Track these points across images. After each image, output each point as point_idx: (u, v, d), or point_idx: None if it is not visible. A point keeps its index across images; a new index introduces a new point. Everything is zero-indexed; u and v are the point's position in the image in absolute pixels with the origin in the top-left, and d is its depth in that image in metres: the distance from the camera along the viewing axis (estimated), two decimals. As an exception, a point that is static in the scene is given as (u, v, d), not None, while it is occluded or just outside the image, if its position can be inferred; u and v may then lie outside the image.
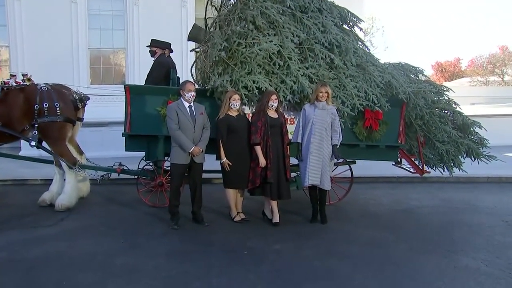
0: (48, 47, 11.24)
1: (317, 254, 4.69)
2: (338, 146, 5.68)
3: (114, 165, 6.79)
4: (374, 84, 6.14)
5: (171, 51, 7.45)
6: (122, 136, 6.27)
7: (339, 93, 5.94)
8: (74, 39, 11.65)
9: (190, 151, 5.31)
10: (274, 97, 5.47)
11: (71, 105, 6.42)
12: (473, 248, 4.96)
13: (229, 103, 5.45)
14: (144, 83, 7.08)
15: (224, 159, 5.49)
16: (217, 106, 5.85)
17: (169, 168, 5.82)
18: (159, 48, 7.23)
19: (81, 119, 6.75)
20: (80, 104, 6.56)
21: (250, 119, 5.70)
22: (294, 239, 5.17)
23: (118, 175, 6.83)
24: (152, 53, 7.29)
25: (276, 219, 5.64)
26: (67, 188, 6.33)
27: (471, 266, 4.41)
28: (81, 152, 6.89)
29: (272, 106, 5.48)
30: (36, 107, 6.06)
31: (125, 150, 6.35)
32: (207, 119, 5.58)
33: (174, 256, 4.59)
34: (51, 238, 5.10)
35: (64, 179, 6.44)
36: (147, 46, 7.39)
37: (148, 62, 7.58)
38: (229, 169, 5.50)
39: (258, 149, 5.45)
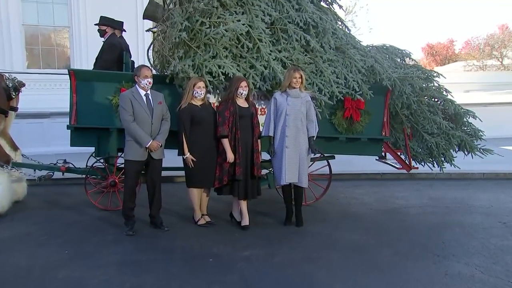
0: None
1: (292, 260, 4.78)
2: (315, 138, 5.78)
3: (57, 162, 6.75)
4: (355, 70, 6.30)
5: (124, 30, 7.42)
6: (67, 129, 6.24)
7: (315, 79, 6.07)
8: (3, 12, 11.30)
9: (147, 146, 5.33)
10: (243, 83, 5.52)
11: (3, 93, 6.28)
12: (466, 252, 5.05)
13: (193, 91, 5.49)
14: (93, 67, 7.04)
15: (188, 155, 5.54)
16: (177, 95, 5.90)
17: (123, 166, 5.82)
18: (110, 27, 7.18)
19: (15, 109, 6.64)
20: (14, 93, 6.43)
21: (216, 109, 5.76)
22: (266, 244, 5.25)
23: (62, 174, 6.80)
24: (102, 33, 7.24)
25: (246, 221, 5.73)
26: (-3, 191, 6.21)
27: (464, 273, 4.48)
28: (16, 148, 6.79)
29: (241, 94, 5.54)
30: None
31: (71, 145, 6.34)
32: (167, 109, 5.61)
33: (128, 267, 4.58)
34: (-23, 251, 4.98)
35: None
36: (95, 24, 7.32)
37: (96, 43, 7.53)
38: (193, 165, 5.55)
39: (226, 142, 5.52)
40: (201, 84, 5.51)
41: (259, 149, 5.83)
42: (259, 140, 5.80)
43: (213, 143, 5.64)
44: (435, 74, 7.29)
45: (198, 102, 5.59)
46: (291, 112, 5.60)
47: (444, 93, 7.17)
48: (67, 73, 6.24)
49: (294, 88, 5.61)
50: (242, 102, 5.62)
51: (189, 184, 5.74)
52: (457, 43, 42.99)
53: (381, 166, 8.03)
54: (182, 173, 5.90)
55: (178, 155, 5.65)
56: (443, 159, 7.07)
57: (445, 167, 7.17)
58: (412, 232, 5.81)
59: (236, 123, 5.53)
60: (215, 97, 6.03)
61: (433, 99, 7.08)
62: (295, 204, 5.95)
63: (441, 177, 8.82)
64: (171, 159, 5.94)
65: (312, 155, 5.98)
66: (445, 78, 7.39)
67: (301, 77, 5.60)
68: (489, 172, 9.33)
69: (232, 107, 5.52)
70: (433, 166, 7.26)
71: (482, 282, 4.30)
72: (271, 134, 5.74)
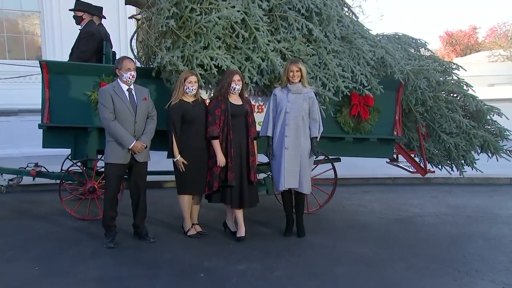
0: None
1: (292, 276, 4.83)
2: (318, 139, 5.83)
3: (27, 166, 6.78)
4: (363, 62, 6.38)
5: (103, 17, 7.47)
6: (39, 128, 6.27)
7: (319, 73, 6.15)
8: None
9: (130, 147, 5.38)
10: (237, 78, 5.57)
11: None
12: (492, 268, 5.05)
13: (184, 86, 5.55)
14: (68, 58, 7.07)
15: (178, 157, 5.58)
16: (165, 90, 5.98)
17: (103, 170, 5.88)
18: (87, 13, 7.19)
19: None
20: None
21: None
22: (263, 257, 5.31)
23: (33, 180, 6.83)
24: (78, 20, 7.24)
25: (241, 232, 5.79)
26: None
27: (489, 292, 4.55)
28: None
29: (234, 90, 5.59)
30: None
31: (43, 147, 6.38)
32: (153, 106, 5.67)
33: (109, 284, 4.61)
34: None
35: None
36: (71, 10, 7.33)
37: (72, 30, 7.53)
38: (184, 169, 5.59)
39: (216, 144, 5.57)
40: (193, 78, 5.56)
41: (256, 151, 5.87)
42: (255, 141, 5.85)
43: (206, 144, 5.67)
44: (454, 66, 7.38)
45: (189, 99, 5.64)
46: (291, 109, 5.64)
47: (465, 87, 7.27)
48: (39, 65, 6.26)
49: (294, 83, 5.65)
50: (235, 99, 5.66)
51: (180, 190, 5.77)
52: (480, 30, 42.84)
53: (393, 170, 8.10)
54: (170, 177, 5.94)
55: (168, 157, 5.69)
56: (463, 161, 7.15)
57: (465, 171, 7.26)
58: (428, 244, 5.84)
59: (228, 122, 5.57)
60: (207, 93, 6.11)
61: (451, 95, 7.17)
62: (296, 212, 6.02)
63: (461, 182, 8.92)
64: (158, 162, 5.99)
65: (315, 158, 6.01)
66: (465, 70, 7.48)
67: (299, 70, 5.62)
68: (516, 177, 9.41)
69: (224, 105, 5.56)
70: (452, 169, 7.34)
71: (510, 301, 4.36)
72: (269, 134, 5.78)
